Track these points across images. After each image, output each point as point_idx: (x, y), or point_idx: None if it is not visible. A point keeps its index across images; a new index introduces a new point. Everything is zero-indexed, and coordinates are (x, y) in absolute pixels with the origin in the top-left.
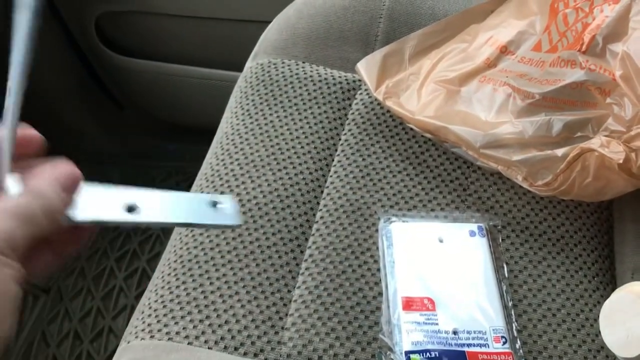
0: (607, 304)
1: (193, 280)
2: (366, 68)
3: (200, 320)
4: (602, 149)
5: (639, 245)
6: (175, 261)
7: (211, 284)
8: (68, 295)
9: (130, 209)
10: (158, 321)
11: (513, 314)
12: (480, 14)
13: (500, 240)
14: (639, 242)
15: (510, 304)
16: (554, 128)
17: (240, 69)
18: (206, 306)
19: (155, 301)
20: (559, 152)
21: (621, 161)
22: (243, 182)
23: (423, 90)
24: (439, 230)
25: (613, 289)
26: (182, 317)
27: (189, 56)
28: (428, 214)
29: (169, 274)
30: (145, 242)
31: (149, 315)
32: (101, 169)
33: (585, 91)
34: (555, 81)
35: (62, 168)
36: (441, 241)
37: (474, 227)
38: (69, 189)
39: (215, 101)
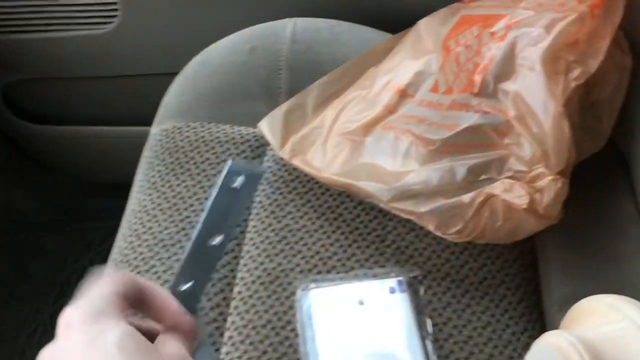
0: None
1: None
2: (269, 127)
3: None
4: (505, 194)
5: (563, 274)
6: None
7: None
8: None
9: None
10: None
11: None
12: (377, 55)
13: (422, 292)
14: (563, 271)
15: None
16: (458, 174)
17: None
18: None
19: None
20: (466, 198)
21: (525, 206)
22: (153, 266)
23: (328, 144)
24: (359, 291)
25: (542, 326)
26: None
27: (106, 115)
28: (347, 273)
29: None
30: None
31: None
32: (36, 239)
33: (483, 134)
34: (453, 126)
35: (185, 325)
36: (361, 303)
37: (393, 282)
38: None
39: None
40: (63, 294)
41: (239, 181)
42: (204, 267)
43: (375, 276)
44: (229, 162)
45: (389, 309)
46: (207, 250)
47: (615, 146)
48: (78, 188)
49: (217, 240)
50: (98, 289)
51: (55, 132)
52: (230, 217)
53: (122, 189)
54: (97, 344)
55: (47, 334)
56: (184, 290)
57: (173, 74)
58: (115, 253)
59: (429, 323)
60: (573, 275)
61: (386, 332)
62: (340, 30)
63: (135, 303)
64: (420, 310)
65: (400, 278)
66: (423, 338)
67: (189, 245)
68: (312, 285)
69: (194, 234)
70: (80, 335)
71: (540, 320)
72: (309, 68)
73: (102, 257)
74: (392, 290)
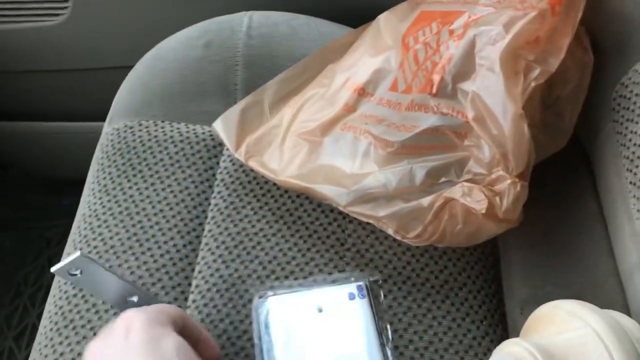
0: None
1: (76, 334)
2: (223, 127)
3: None
4: (464, 198)
5: (525, 276)
6: (56, 313)
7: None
8: None
9: None
10: None
11: None
12: (337, 50)
13: (382, 297)
14: (525, 271)
15: None
16: (417, 177)
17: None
18: None
19: None
20: (425, 201)
21: (484, 210)
22: None
23: (285, 145)
24: (318, 298)
25: (503, 330)
26: None
27: (59, 111)
28: (306, 279)
29: (51, 329)
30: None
31: None
32: None
33: (442, 135)
34: (412, 127)
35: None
36: (320, 311)
37: (353, 288)
38: None
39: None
40: (20, 294)
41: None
42: None
43: (334, 282)
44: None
45: (348, 316)
46: (132, 304)
47: (578, 145)
48: (35, 185)
49: (134, 297)
50: (157, 307)
51: (7, 128)
52: (110, 286)
53: (80, 186)
54: (156, 345)
55: (3, 335)
56: None
57: (128, 68)
58: None
59: (389, 330)
60: (535, 276)
61: (346, 340)
62: (298, 23)
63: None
64: (380, 316)
65: (360, 283)
66: (383, 345)
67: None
68: (270, 292)
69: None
70: (140, 336)
71: (501, 323)
72: (266, 63)
73: (61, 255)
74: (352, 296)
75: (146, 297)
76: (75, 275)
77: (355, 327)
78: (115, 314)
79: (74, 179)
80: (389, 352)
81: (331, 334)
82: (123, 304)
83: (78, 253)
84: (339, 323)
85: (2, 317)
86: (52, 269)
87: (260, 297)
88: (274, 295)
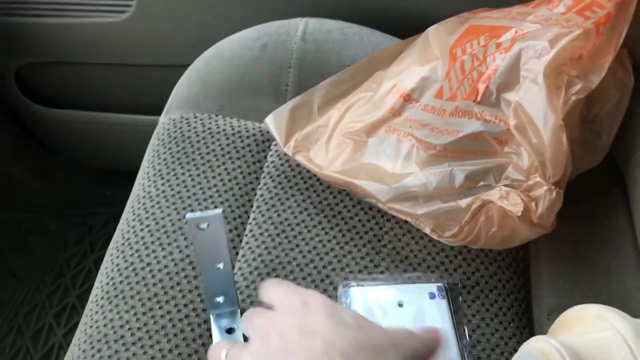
0: None
1: (125, 303)
2: (275, 122)
3: None
4: (501, 201)
5: (554, 285)
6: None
7: None
8: (6, 356)
9: None
10: None
11: None
12: (386, 59)
13: (460, 298)
14: (554, 281)
15: None
16: (457, 179)
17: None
18: None
19: None
20: (463, 203)
21: (519, 214)
22: (154, 251)
23: (331, 143)
24: (399, 294)
25: (530, 333)
26: None
27: (114, 103)
28: (384, 275)
29: (102, 297)
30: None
31: None
32: (38, 220)
33: (484, 141)
34: (455, 132)
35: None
36: (401, 305)
37: (433, 288)
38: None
39: (146, 145)
40: (62, 275)
41: (204, 224)
42: (223, 283)
43: (414, 281)
44: (188, 216)
45: (427, 314)
46: (217, 272)
47: (613, 163)
48: (83, 173)
49: (221, 265)
50: None
51: (65, 116)
52: (215, 249)
53: (126, 177)
54: (336, 311)
55: (44, 311)
56: (220, 302)
57: (184, 66)
58: (117, 236)
59: (466, 331)
60: (563, 286)
61: None
62: (350, 32)
63: None
64: (458, 317)
65: (440, 284)
66: (460, 346)
67: (202, 270)
68: (353, 283)
69: (200, 264)
70: (320, 306)
71: (528, 326)
72: (317, 67)
73: (103, 241)
74: (432, 296)
75: (229, 268)
76: (203, 229)
77: (433, 325)
78: (163, 287)
79: (118, 169)
80: (465, 354)
81: (410, 327)
82: (210, 268)
83: (219, 210)
84: (418, 319)
85: (45, 295)
86: (188, 216)
87: (345, 286)
88: (357, 286)
